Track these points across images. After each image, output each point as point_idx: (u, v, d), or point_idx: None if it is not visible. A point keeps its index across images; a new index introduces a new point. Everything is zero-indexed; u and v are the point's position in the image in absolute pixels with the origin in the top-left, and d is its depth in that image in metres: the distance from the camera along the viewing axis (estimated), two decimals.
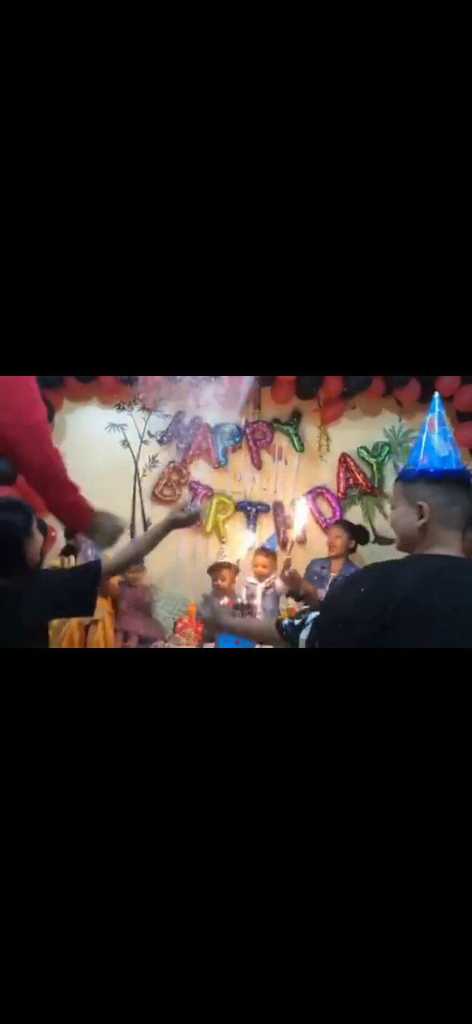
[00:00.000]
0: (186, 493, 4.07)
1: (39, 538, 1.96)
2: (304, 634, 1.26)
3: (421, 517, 1.19)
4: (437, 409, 1.24)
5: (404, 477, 1.26)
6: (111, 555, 2.36)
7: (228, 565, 3.82)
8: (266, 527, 4.60)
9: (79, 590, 1.92)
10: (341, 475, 4.60)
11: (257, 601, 3.49)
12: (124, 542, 2.28)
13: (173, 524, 2.12)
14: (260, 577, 3.76)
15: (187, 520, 2.11)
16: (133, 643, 3.60)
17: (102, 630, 3.58)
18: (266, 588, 3.67)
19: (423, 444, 1.23)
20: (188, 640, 3.16)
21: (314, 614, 1.31)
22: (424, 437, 1.24)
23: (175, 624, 3.50)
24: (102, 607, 3.40)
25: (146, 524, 4.41)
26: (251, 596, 3.50)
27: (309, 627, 1.27)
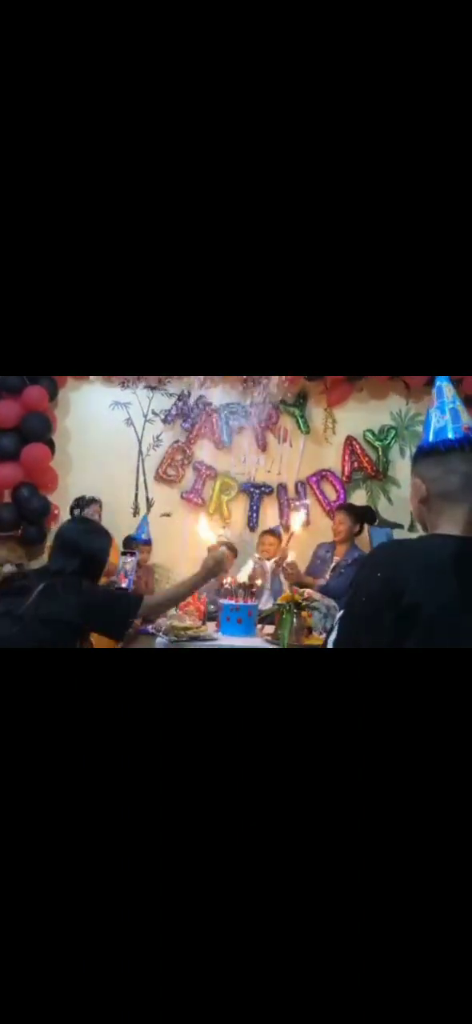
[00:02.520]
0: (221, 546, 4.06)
1: None
2: (332, 636, 1.20)
3: (417, 495, 1.18)
4: (437, 383, 1.22)
5: (412, 461, 1.26)
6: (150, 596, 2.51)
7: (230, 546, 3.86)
8: (270, 509, 4.64)
9: (116, 614, 2.05)
10: (346, 458, 4.65)
11: (265, 582, 3.53)
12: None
13: (212, 573, 2.34)
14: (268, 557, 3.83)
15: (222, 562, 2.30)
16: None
17: None
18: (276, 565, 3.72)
19: (426, 424, 1.23)
20: (191, 618, 3.19)
21: (339, 613, 1.26)
22: (427, 417, 1.23)
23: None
24: None
25: (149, 504, 4.45)
26: (259, 575, 3.55)
27: (336, 629, 1.21)
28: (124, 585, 2.89)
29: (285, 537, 4.02)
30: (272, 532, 4.01)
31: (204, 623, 3.13)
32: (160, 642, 2.82)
